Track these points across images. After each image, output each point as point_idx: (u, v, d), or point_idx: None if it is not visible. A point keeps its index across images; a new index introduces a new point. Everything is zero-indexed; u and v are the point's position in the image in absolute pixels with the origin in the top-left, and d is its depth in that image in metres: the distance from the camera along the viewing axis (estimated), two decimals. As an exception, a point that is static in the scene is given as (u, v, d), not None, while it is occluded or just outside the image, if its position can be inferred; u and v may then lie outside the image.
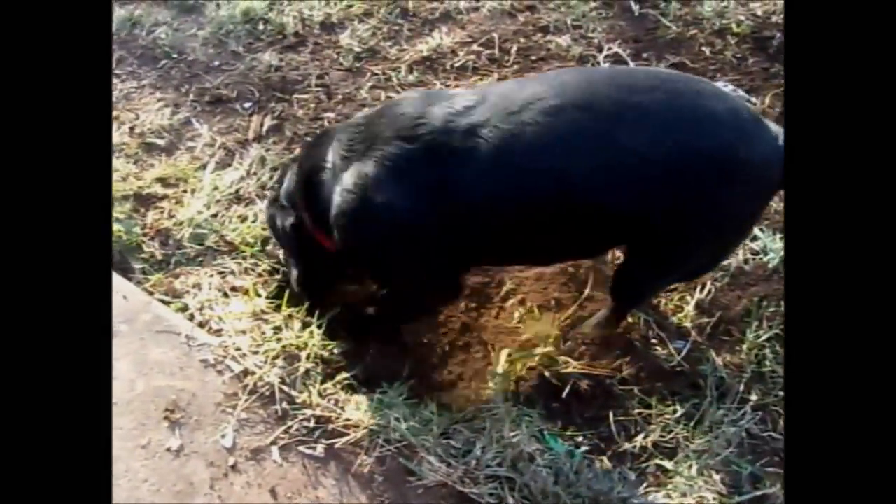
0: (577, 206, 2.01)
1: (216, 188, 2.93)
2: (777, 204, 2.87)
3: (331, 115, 3.28)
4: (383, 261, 2.26)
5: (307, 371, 2.37)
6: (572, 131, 1.95)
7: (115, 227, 2.74)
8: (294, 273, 2.50)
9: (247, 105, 3.34)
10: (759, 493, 2.19)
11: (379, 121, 2.17)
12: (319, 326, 2.47)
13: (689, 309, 2.57)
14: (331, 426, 2.25)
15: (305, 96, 3.36)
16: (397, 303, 2.52)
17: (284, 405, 2.28)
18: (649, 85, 2.00)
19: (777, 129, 2.04)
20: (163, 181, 2.98)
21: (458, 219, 2.06)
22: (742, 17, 3.61)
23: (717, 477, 2.21)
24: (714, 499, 2.17)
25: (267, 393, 2.31)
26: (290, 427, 2.24)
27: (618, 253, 2.62)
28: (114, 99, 3.35)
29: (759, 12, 3.65)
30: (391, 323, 2.61)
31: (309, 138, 3.17)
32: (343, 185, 2.14)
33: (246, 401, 2.28)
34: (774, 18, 3.62)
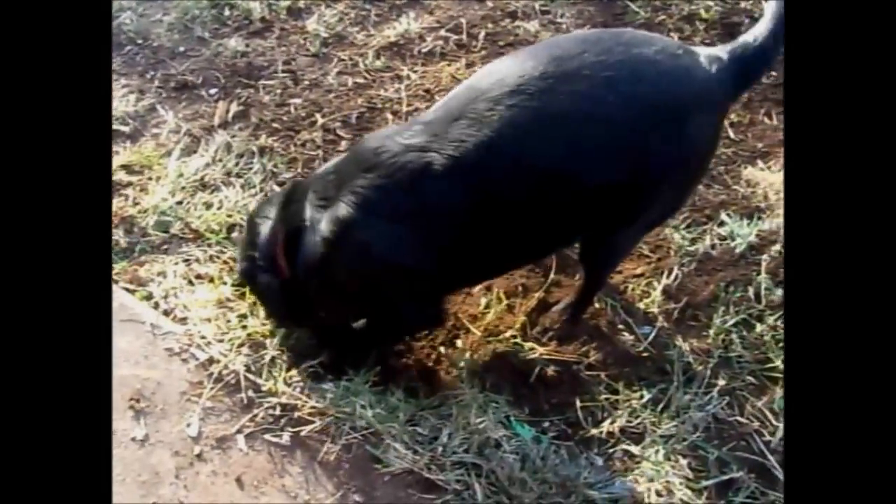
0: (539, 190, 2.03)
1: (181, 175, 2.90)
2: (744, 189, 2.88)
3: (297, 101, 3.25)
4: (371, 296, 2.26)
5: (273, 359, 2.36)
6: (516, 118, 1.97)
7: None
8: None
9: (212, 91, 3.31)
10: (725, 477, 2.19)
11: (346, 164, 2.21)
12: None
13: (656, 294, 2.58)
14: (297, 414, 2.24)
15: (272, 82, 3.34)
16: (380, 332, 2.52)
17: (250, 393, 2.27)
18: (578, 50, 2.03)
19: (706, 53, 2.12)
20: (127, 168, 2.95)
21: (433, 236, 2.08)
22: (710, 3, 3.61)
23: (683, 462, 2.22)
24: (681, 483, 2.17)
25: (232, 381, 2.29)
26: (255, 415, 2.23)
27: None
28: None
29: (728, -2, 3.66)
30: (370, 347, 2.58)
31: (276, 124, 3.15)
32: (320, 234, 2.15)
33: (211, 389, 2.26)
34: (743, 4, 3.62)
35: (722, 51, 2.14)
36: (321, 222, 2.15)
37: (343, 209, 2.10)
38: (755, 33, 2.16)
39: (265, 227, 2.34)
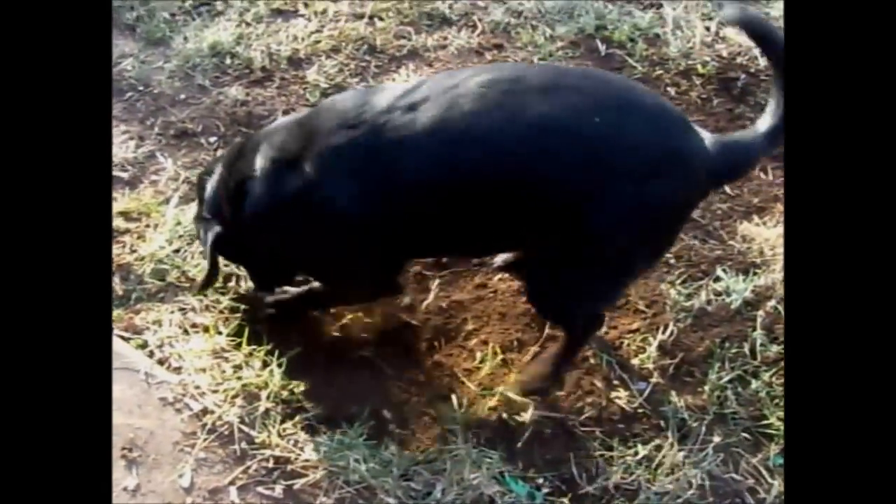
0: (503, 177, 2.06)
1: (179, 223, 2.90)
2: (740, 244, 2.89)
3: (296, 150, 3.26)
4: (325, 256, 2.31)
5: (267, 410, 2.35)
6: (505, 102, 2.02)
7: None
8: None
9: (212, 139, 3.32)
10: (719, 535, 2.19)
11: (316, 118, 2.22)
12: (280, 365, 2.45)
13: (652, 350, 2.57)
14: (290, 467, 2.23)
15: (271, 131, 3.34)
16: (334, 294, 2.61)
17: (243, 445, 2.26)
18: (582, 73, 2.20)
19: (707, 136, 2.15)
20: (125, 215, 2.95)
21: (402, 199, 2.10)
22: (707, 58, 3.65)
23: (678, 519, 2.21)
24: (675, 541, 2.17)
25: (226, 432, 2.28)
26: (248, 467, 2.22)
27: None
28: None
29: (725, 53, 3.69)
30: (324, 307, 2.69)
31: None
32: (282, 187, 2.18)
33: (204, 440, 2.25)
34: (739, 59, 3.66)
35: (721, 138, 2.18)
36: (283, 176, 2.18)
37: (312, 164, 2.12)
38: (755, 131, 2.18)
39: (212, 182, 2.41)
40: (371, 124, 2.08)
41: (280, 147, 2.21)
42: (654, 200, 2.09)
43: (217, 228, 2.38)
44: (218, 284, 2.70)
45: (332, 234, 2.21)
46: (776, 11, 3.88)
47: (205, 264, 2.48)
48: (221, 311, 2.65)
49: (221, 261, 2.67)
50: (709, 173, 2.17)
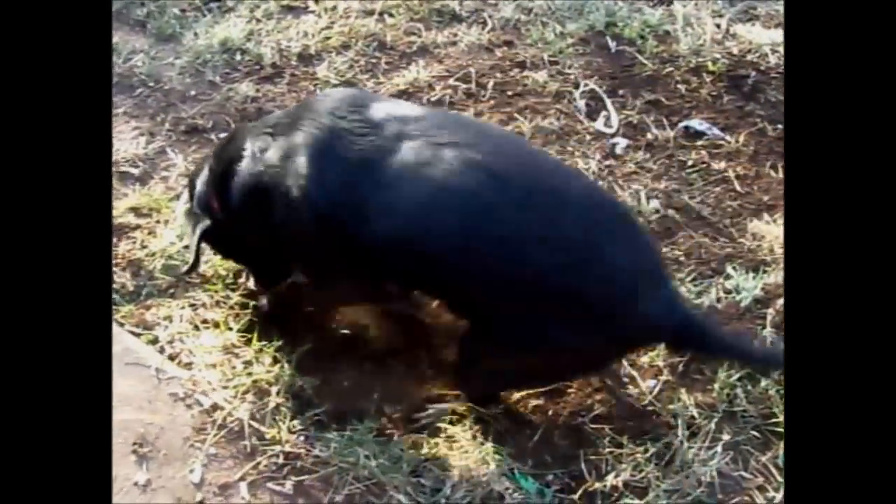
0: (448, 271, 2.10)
1: (189, 219, 2.91)
2: (750, 242, 2.89)
3: (306, 146, 3.27)
4: (304, 243, 2.28)
5: (277, 406, 2.35)
6: (480, 203, 2.01)
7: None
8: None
9: (222, 135, 3.29)
10: (728, 533, 2.18)
11: (308, 105, 2.24)
12: (290, 361, 2.46)
13: (661, 347, 2.56)
14: (300, 463, 2.23)
15: (281, 128, 3.35)
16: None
17: (254, 440, 2.27)
18: (581, 192, 2.14)
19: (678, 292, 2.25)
20: (136, 211, 2.96)
21: (359, 223, 2.08)
22: (718, 56, 3.64)
23: (687, 517, 2.21)
24: (684, 539, 2.17)
25: (236, 428, 2.29)
26: (258, 463, 2.23)
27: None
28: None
29: (735, 51, 3.68)
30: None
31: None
32: (267, 161, 2.19)
33: (215, 436, 2.26)
34: (749, 57, 3.66)
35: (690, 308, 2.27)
36: (270, 151, 2.19)
37: (300, 137, 2.12)
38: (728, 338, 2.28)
39: (201, 178, 2.44)
40: (357, 128, 2.08)
41: (268, 131, 2.23)
42: (586, 350, 2.16)
43: (206, 221, 2.40)
44: (228, 280, 2.72)
45: (311, 219, 2.18)
46: (786, 9, 3.88)
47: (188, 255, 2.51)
48: (232, 307, 2.66)
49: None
50: (664, 338, 2.25)
